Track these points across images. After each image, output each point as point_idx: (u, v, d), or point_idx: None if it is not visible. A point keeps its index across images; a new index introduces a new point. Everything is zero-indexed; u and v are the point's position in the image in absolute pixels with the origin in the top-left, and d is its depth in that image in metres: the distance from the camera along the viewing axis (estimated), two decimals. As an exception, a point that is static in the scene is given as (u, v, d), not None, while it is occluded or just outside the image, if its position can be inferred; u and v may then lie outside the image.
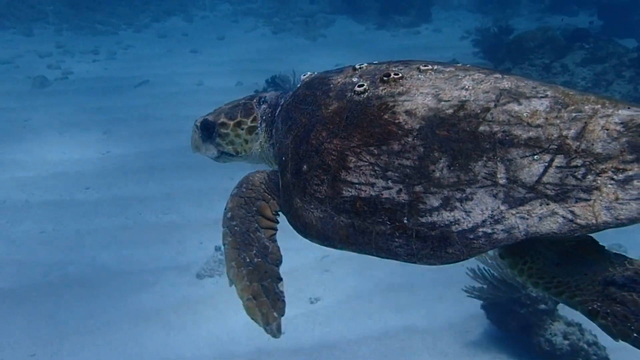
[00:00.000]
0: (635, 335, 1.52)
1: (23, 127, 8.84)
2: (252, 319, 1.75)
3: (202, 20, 16.29)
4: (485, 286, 4.26)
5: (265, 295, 1.78)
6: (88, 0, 16.15)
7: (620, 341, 1.54)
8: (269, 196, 1.96)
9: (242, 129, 2.21)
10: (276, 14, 16.08)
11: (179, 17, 16.43)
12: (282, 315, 1.75)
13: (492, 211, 1.56)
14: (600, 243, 1.68)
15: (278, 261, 1.87)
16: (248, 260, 1.84)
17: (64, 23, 15.22)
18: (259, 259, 1.85)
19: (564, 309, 4.06)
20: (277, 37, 14.40)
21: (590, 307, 1.60)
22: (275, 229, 1.94)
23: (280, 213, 1.95)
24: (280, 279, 1.83)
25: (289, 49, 13.22)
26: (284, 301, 1.78)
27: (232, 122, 2.22)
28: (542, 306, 3.94)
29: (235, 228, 1.90)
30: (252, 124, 2.21)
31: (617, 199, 1.49)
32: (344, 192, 1.73)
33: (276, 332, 1.73)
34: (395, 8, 14.65)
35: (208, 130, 2.27)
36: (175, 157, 7.45)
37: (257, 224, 1.92)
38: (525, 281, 1.72)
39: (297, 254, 5.60)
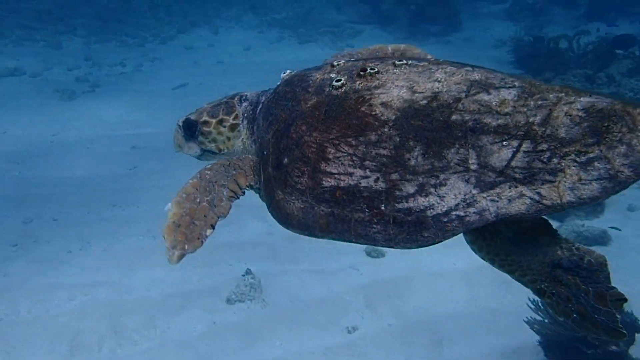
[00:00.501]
0: (574, 315, 1.65)
1: (51, 142, 8.76)
2: (163, 238, 1.77)
3: (228, 31, 16.19)
4: (546, 320, 3.87)
5: (188, 230, 1.80)
6: (115, 12, 16.22)
7: (562, 319, 1.67)
8: (251, 172, 2.03)
9: (224, 127, 2.25)
10: (302, 25, 15.88)
11: (204, 29, 16.38)
12: (192, 252, 1.76)
13: (464, 195, 1.63)
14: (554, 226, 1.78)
15: (223, 215, 1.90)
16: (198, 200, 1.88)
17: (92, 36, 15.28)
18: (207, 205, 1.88)
19: (638, 352, 3.64)
20: (303, 47, 14.20)
21: (538, 287, 1.73)
22: (238, 197, 1.98)
23: (248, 189, 2.02)
24: (213, 228, 1.85)
25: (316, 59, 12.85)
26: (201, 243, 1.79)
27: (214, 120, 2.25)
28: (613, 348, 3.53)
29: (206, 174, 1.96)
30: (234, 122, 2.24)
31: (579, 179, 1.57)
32: (323, 182, 1.78)
33: (175, 260, 1.73)
34: (424, 17, 14.31)
35: (190, 129, 2.30)
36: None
37: (227, 184, 1.97)
38: (483, 257, 1.81)
39: (335, 278, 5.33)
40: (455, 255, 5.23)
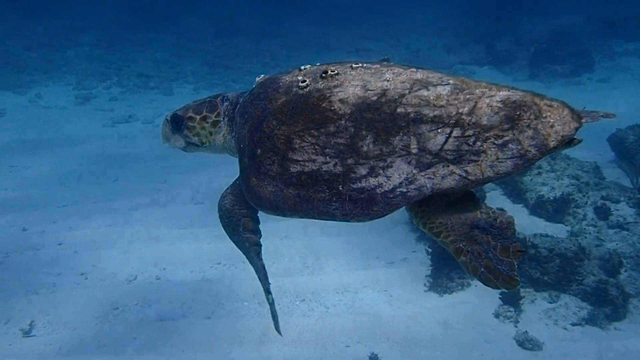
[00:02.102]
0: (482, 270, 1.90)
1: (159, 189, 8.54)
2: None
3: (332, 75, 15.86)
4: None
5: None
6: (223, 59, 16.57)
7: (473, 279, 2.17)
8: (245, 210, 2.41)
9: (207, 123, 2.54)
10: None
11: (308, 73, 16.18)
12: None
13: (407, 175, 1.93)
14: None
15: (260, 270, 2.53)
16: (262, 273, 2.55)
17: (201, 81, 15.64)
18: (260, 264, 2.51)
19: None
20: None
21: (457, 246, 1.96)
22: (259, 244, 2.50)
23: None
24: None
25: (427, 103, 12.08)
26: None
27: (198, 117, 2.54)
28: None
29: (245, 251, 2.50)
30: (216, 119, 2.53)
31: (497, 158, 1.91)
32: (291, 168, 2.06)
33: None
34: (549, 56, 12.96)
35: (177, 124, 2.59)
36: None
37: (253, 238, 2.46)
38: (417, 223, 2.08)
39: None
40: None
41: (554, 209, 6.48)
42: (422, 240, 6.38)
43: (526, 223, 6.41)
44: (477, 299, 5.35)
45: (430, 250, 5.76)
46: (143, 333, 5.02)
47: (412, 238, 6.56)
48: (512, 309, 5.10)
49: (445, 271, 5.48)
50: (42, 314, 5.19)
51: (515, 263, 1.90)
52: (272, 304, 2.57)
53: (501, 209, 2.07)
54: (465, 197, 2.08)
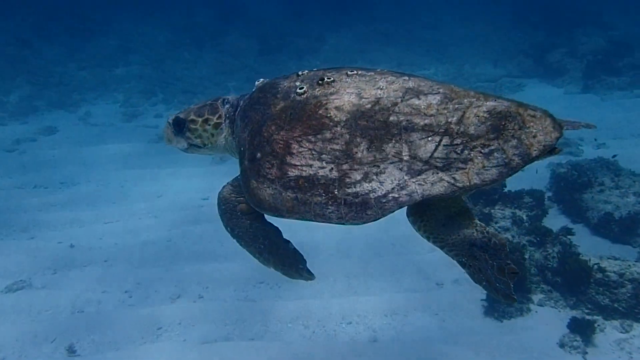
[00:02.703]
0: (484, 282, 2.11)
1: (201, 206, 8.51)
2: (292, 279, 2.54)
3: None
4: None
5: (285, 262, 2.53)
6: (265, 75, 16.46)
7: (477, 284, 2.15)
8: (241, 198, 2.47)
9: (209, 125, 2.65)
10: (453, 80, 14.74)
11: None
12: (303, 271, 2.55)
13: (398, 181, 2.03)
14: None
15: (278, 234, 2.54)
16: (262, 247, 2.51)
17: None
18: (267, 243, 2.50)
19: None
20: (458, 105, 12.97)
21: (460, 260, 2.18)
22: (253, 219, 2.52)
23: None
24: (288, 241, 2.56)
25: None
26: (297, 261, 2.54)
27: (200, 119, 2.65)
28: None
29: (240, 234, 2.52)
30: (217, 121, 2.64)
31: (483, 166, 2.00)
32: (289, 172, 2.16)
33: (308, 276, 2.56)
34: (604, 68, 12.32)
35: (179, 126, 2.69)
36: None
37: (247, 222, 2.50)
38: (422, 234, 2.24)
39: None
40: None
41: (620, 229, 5.99)
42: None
43: (590, 244, 5.95)
44: (539, 325, 4.96)
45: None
46: (186, 355, 4.88)
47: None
48: (579, 338, 4.68)
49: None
50: (87, 333, 5.14)
51: (511, 283, 2.05)
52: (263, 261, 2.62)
53: (497, 230, 2.12)
54: (462, 213, 2.23)
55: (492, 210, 5.84)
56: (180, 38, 18.93)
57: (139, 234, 7.36)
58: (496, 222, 5.68)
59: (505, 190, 6.23)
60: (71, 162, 10.15)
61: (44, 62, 16.78)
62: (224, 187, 2.59)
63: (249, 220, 2.49)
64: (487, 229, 2.19)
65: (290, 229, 2.71)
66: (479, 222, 2.24)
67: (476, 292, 5.45)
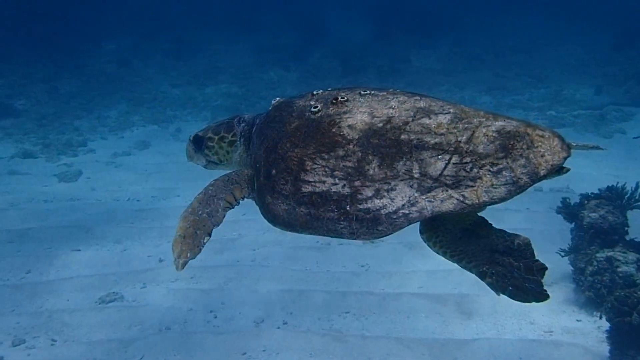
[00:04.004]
0: (510, 288, 2.04)
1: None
2: (172, 249, 2.29)
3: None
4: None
5: (191, 239, 2.31)
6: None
7: (500, 294, 2.06)
8: (246, 185, 2.51)
9: (225, 142, 2.74)
10: (551, 107, 13.88)
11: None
12: (193, 258, 2.27)
13: (409, 198, 2.07)
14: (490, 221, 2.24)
15: (217, 224, 2.42)
16: (200, 212, 2.41)
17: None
18: (206, 216, 2.40)
19: None
20: (556, 133, 12.10)
21: (481, 269, 2.10)
22: (232, 207, 2.51)
23: (243, 199, 2.52)
24: (209, 235, 2.36)
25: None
26: (200, 249, 2.30)
27: (216, 137, 2.75)
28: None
29: (209, 190, 2.50)
30: (233, 139, 2.73)
31: (492, 185, 2.04)
32: (303, 188, 2.21)
33: (180, 267, 2.23)
34: None
35: (198, 143, 2.81)
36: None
37: (224, 196, 2.46)
38: (437, 251, 2.21)
39: None
40: None
41: None
42: (588, 306, 5.39)
43: None
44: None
45: (606, 320, 4.76)
46: (271, 386, 4.68)
47: (572, 302, 5.59)
48: None
49: (631, 353, 4.46)
50: (173, 352, 5.10)
51: (541, 280, 2.04)
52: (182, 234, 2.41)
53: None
54: (478, 223, 2.22)
55: (612, 253, 5.20)
56: (266, 58, 19.39)
57: (224, 252, 7.36)
58: (617, 267, 5.05)
59: (627, 229, 5.59)
60: (162, 177, 10.48)
61: (140, 80, 17.79)
62: (247, 170, 2.62)
63: (224, 196, 2.48)
64: (508, 232, 2.18)
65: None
66: (496, 228, 2.22)
67: (595, 346, 4.85)
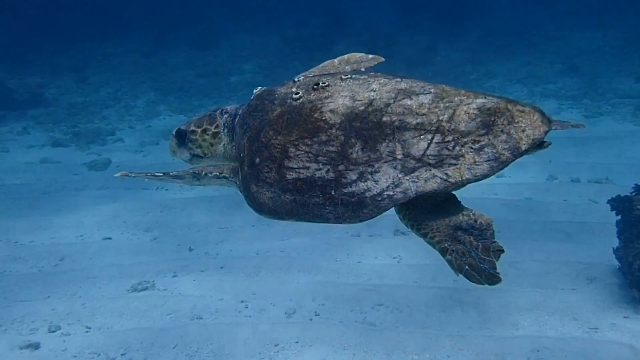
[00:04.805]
0: (467, 267, 2.02)
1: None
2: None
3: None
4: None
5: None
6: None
7: (458, 275, 2.03)
8: (226, 169, 2.54)
9: (208, 135, 2.71)
10: (585, 95, 13.42)
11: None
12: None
13: (393, 179, 2.09)
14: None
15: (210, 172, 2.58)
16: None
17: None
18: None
19: None
20: (591, 122, 11.72)
21: (442, 246, 2.10)
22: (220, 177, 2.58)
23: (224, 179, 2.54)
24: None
25: (612, 135, 10.46)
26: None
27: (199, 130, 2.73)
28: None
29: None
30: (216, 130, 2.70)
31: (475, 162, 2.06)
32: (287, 175, 2.21)
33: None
34: None
35: (181, 137, 2.79)
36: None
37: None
38: (406, 224, 2.23)
39: None
40: None
41: None
42: (637, 302, 5.16)
43: None
44: None
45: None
46: (305, 379, 4.60)
47: (619, 298, 5.36)
48: None
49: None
50: (206, 342, 5.05)
51: (496, 262, 2.01)
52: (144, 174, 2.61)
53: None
54: (448, 200, 2.22)
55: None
56: (291, 48, 19.23)
57: (253, 242, 7.30)
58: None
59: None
60: (189, 166, 10.47)
61: (166, 70, 17.84)
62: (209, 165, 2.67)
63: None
64: (474, 211, 2.18)
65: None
66: (464, 206, 2.21)
67: None
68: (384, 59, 2.91)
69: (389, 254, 6.78)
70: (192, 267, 6.59)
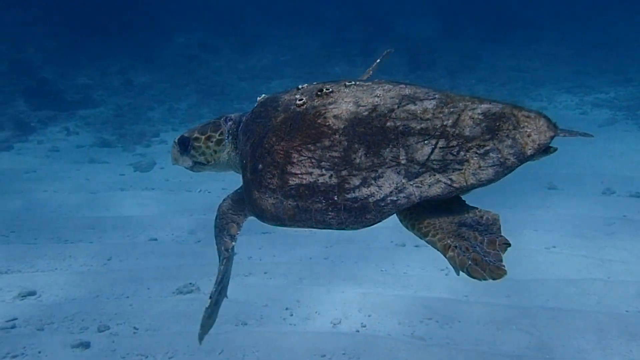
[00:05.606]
0: (469, 262, 1.92)
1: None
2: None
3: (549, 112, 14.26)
4: None
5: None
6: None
7: (460, 274, 1.97)
8: (235, 216, 2.56)
9: (212, 142, 2.74)
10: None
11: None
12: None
13: (396, 184, 2.08)
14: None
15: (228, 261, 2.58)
16: (225, 278, 2.69)
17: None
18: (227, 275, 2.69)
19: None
20: (649, 134, 11.20)
21: (444, 243, 2.02)
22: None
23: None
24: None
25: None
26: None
27: (203, 137, 2.76)
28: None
29: (220, 252, 2.58)
30: (220, 137, 2.74)
31: (479, 167, 2.04)
32: (290, 181, 2.21)
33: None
34: None
35: (184, 145, 2.82)
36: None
37: (224, 244, 2.56)
38: (406, 225, 2.19)
39: None
40: None
41: None
42: None
43: None
44: None
45: None
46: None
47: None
48: None
49: None
50: (252, 350, 4.99)
51: (502, 254, 1.94)
52: (211, 307, 2.65)
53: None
54: (452, 199, 2.15)
55: None
56: (332, 53, 19.21)
57: (296, 247, 7.22)
58: None
59: None
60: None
61: (209, 73, 18.07)
62: (224, 199, 2.68)
63: (230, 240, 2.55)
64: (478, 208, 2.14)
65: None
66: (468, 205, 2.18)
67: None
68: (392, 50, 3.01)
69: (436, 265, 6.57)
70: (235, 271, 6.51)
